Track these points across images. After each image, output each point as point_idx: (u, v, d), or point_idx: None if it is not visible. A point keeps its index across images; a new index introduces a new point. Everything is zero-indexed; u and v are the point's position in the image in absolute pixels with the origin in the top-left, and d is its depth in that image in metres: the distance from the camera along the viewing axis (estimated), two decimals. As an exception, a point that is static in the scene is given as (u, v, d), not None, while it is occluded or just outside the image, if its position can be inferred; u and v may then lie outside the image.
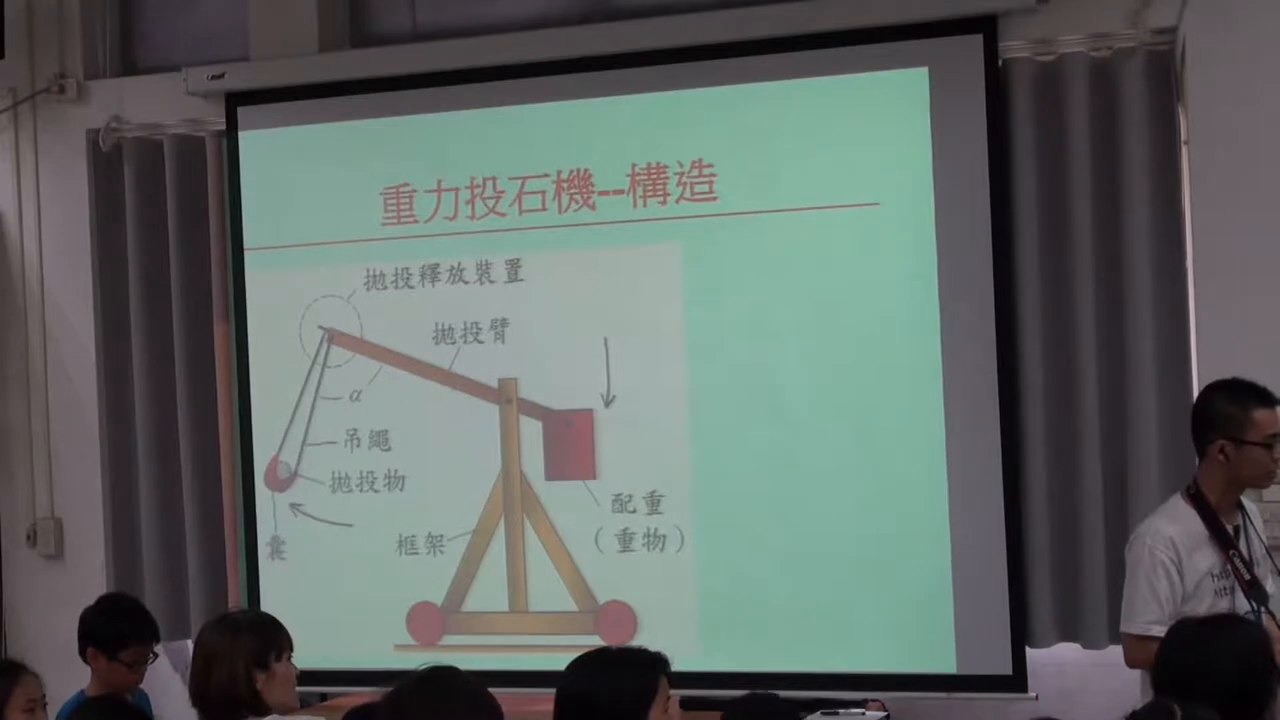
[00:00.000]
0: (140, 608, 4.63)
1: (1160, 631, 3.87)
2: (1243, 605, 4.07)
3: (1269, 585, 4.13)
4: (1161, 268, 5.04)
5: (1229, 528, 4.12)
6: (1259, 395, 4.09)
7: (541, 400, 5.59)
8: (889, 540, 5.22)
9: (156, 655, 4.57)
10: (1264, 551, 4.20)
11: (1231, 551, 4.10)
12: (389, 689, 2.90)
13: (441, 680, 2.89)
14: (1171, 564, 4.05)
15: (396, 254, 5.75)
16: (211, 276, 5.98)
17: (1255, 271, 4.82)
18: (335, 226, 5.83)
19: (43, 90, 6.24)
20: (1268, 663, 3.16)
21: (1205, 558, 4.08)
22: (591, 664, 3.34)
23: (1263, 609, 4.07)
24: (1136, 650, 4.06)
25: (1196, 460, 4.20)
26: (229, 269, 5.96)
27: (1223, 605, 4.03)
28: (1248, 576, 4.10)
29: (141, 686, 4.59)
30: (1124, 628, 4.12)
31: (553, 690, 3.39)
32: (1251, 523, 4.22)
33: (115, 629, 4.46)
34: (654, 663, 3.30)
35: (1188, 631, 3.25)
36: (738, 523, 5.37)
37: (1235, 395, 4.11)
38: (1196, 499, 4.13)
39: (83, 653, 4.50)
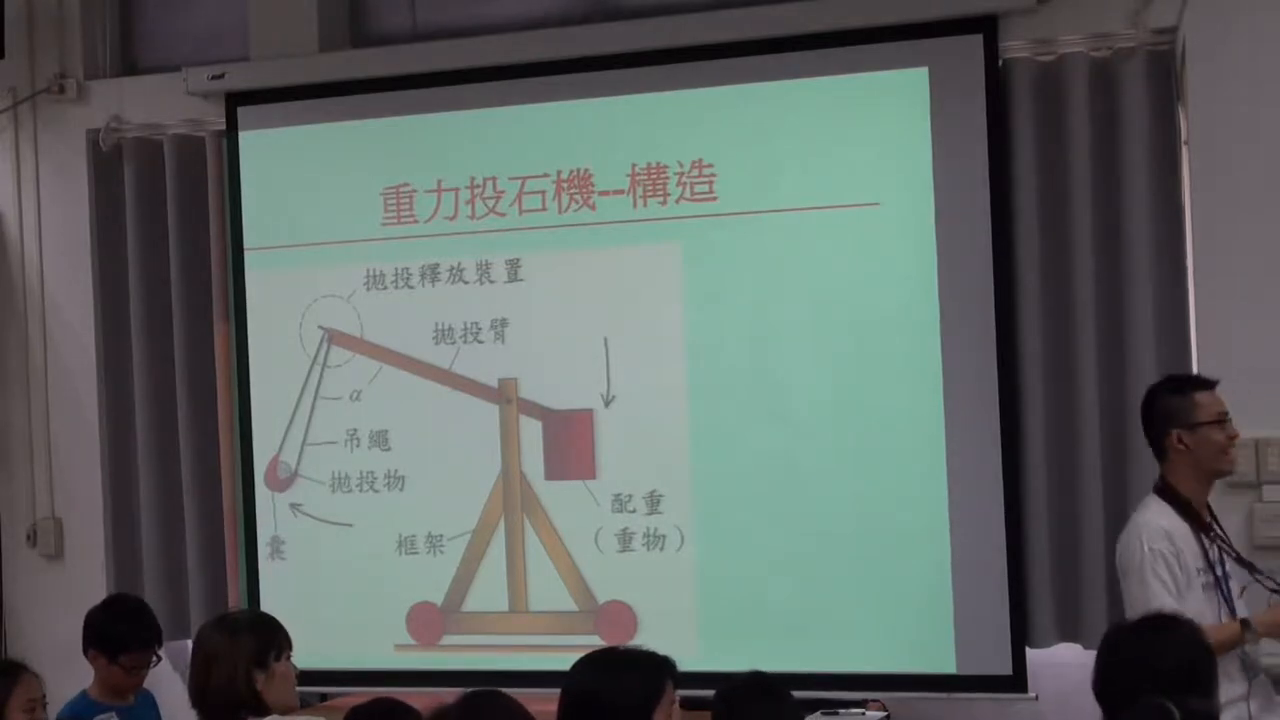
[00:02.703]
0: (144, 611, 4.62)
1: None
2: (1242, 583, 4.15)
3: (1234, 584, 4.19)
4: (1161, 268, 5.04)
5: (1205, 519, 4.20)
6: (1197, 380, 4.30)
7: (541, 400, 5.59)
8: (889, 540, 5.22)
9: (160, 658, 4.57)
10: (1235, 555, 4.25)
11: (1212, 534, 4.17)
12: (439, 712, 2.91)
13: (483, 705, 2.90)
14: (1170, 553, 4.09)
15: (396, 254, 5.75)
16: (211, 276, 5.98)
17: (1255, 271, 4.83)
18: (335, 226, 5.83)
19: (43, 90, 6.24)
20: (1207, 655, 3.16)
21: (1191, 549, 4.13)
22: (599, 662, 3.34)
23: (1260, 577, 4.16)
24: None
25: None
26: (229, 269, 5.96)
27: (1209, 597, 4.09)
28: (1233, 555, 4.19)
29: (145, 686, 4.59)
30: None
31: (553, 690, 3.39)
32: (1221, 526, 4.28)
33: (116, 632, 4.47)
34: (661, 664, 3.31)
35: (1122, 637, 3.24)
36: (737, 522, 5.37)
37: (1175, 386, 4.30)
38: (1167, 493, 4.20)
39: (86, 652, 4.50)
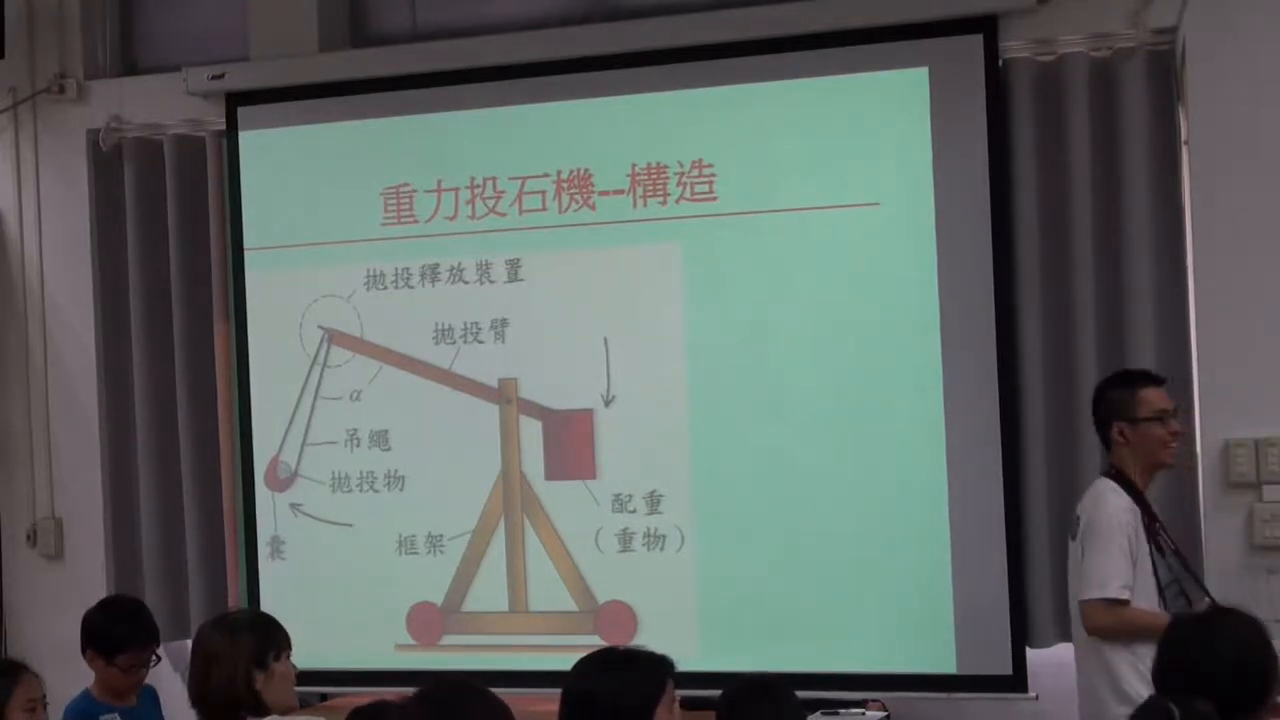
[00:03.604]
0: (141, 612, 4.60)
1: (1130, 596, 4.11)
2: (1170, 578, 4.34)
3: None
4: (1161, 267, 5.04)
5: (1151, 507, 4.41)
6: (1145, 376, 4.49)
7: (541, 400, 5.59)
8: (889, 540, 5.22)
9: (159, 658, 4.56)
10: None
11: (1157, 524, 4.36)
12: (403, 703, 2.89)
13: (451, 691, 2.88)
14: (1132, 530, 4.29)
15: (396, 254, 5.75)
16: (211, 276, 5.98)
17: (1255, 271, 4.83)
18: (335, 226, 5.83)
19: (43, 90, 6.24)
20: (1270, 653, 3.18)
21: (1143, 534, 4.32)
22: (598, 663, 3.34)
23: (1192, 576, 4.39)
24: (1107, 615, 4.25)
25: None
26: (229, 269, 5.96)
27: (1149, 580, 4.29)
28: (1172, 546, 4.39)
29: (148, 683, 4.59)
30: (1094, 594, 4.27)
31: (553, 690, 3.39)
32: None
33: (113, 632, 4.45)
34: (660, 664, 3.31)
35: (1189, 627, 3.27)
36: (737, 522, 5.37)
37: (1123, 380, 4.49)
38: (1119, 477, 4.38)
39: (83, 652, 4.50)
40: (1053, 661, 5.13)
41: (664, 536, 5.45)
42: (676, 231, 5.45)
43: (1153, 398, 4.41)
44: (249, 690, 3.50)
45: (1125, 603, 4.23)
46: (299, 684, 3.69)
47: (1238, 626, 3.24)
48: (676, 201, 5.46)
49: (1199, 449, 4.91)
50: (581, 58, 5.55)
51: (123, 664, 4.44)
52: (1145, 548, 4.32)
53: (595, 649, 3.49)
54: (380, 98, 5.76)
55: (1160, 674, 3.20)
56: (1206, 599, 4.38)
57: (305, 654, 3.76)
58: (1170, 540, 4.44)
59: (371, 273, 5.78)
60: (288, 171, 5.90)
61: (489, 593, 5.63)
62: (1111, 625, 4.25)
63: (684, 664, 3.48)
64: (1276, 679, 3.16)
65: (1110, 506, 4.32)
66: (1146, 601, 4.28)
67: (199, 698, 3.56)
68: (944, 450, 5.16)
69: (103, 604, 4.70)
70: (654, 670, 3.29)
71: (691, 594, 5.41)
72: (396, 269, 5.76)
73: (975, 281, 5.15)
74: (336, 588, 5.79)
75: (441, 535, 5.69)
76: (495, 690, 2.95)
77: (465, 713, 2.86)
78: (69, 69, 6.25)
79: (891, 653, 5.23)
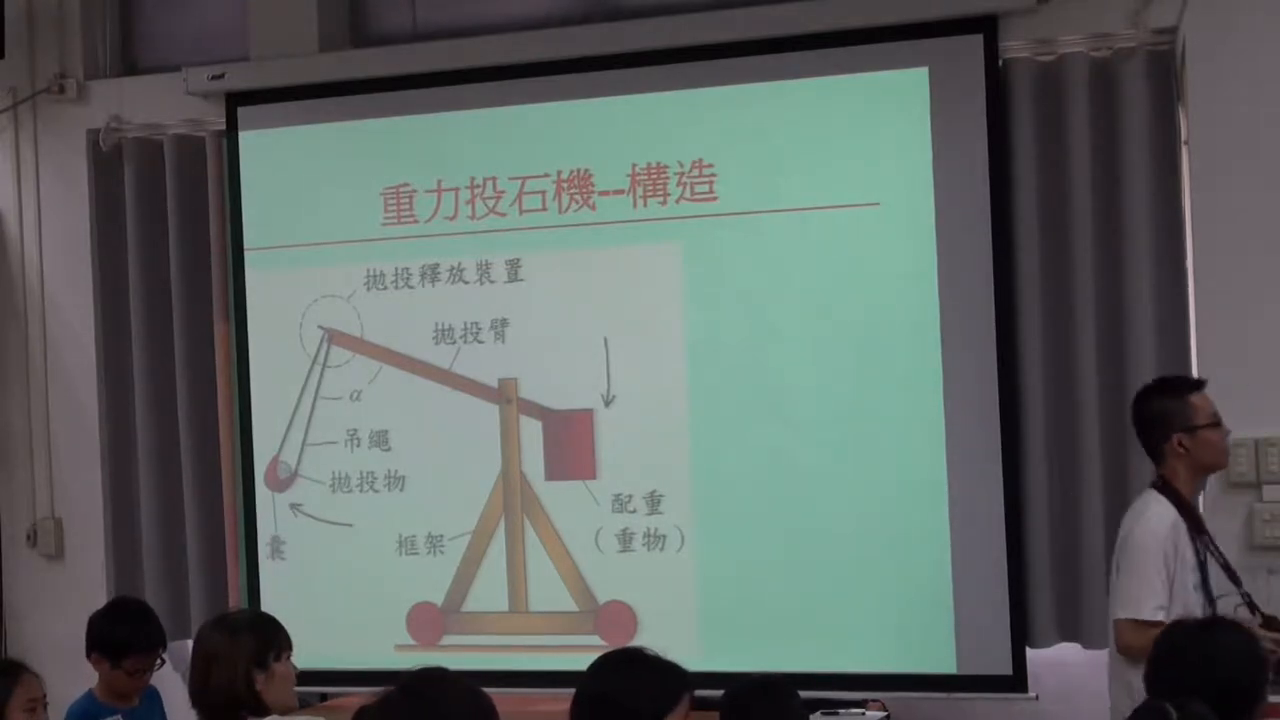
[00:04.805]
0: (146, 615, 4.60)
1: (1165, 616, 3.99)
2: (1219, 592, 4.21)
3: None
4: (1161, 268, 5.04)
5: (1200, 520, 4.28)
6: (1189, 383, 4.34)
7: (541, 400, 5.59)
8: (889, 540, 5.22)
9: (163, 661, 4.56)
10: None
11: (1205, 537, 4.24)
12: (384, 698, 2.87)
13: (430, 684, 2.87)
14: (1173, 550, 4.15)
15: (396, 254, 5.76)
16: (211, 276, 5.99)
17: (1255, 271, 4.83)
18: (335, 226, 5.83)
19: (43, 90, 6.25)
20: (1262, 664, 3.19)
21: (1187, 547, 4.19)
22: (620, 663, 3.28)
23: (1241, 592, 4.24)
24: (1138, 636, 4.06)
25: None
26: (229, 269, 5.96)
27: (1195, 597, 4.15)
28: (1222, 560, 4.26)
29: (151, 683, 4.59)
30: (1128, 613, 4.13)
31: (552, 690, 3.39)
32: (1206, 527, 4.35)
33: (118, 636, 4.45)
34: (683, 676, 3.23)
35: (1184, 635, 3.27)
36: (738, 522, 5.37)
37: (1169, 389, 4.32)
38: (1168, 491, 4.23)
39: (88, 655, 4.50)
40: (1053, 661, 5.14)
41: (664, 536, 5.45)
42: (676, 231, 5.45)
43: (1203, 404, 4.26)
44: (249, 690, 3.50)
45: (1159, 624, 3.98)
46: (299, 684, 3.68)
47: (1236, 636, 3.24)
48: (676, 201, 5.46)
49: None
50: (581, 58, 5.55)
51: (128, 667, 4.43)
52: (1191, 561, 4.17)
53: (595, 649, 3.48)
54: (380, 98, 5.76)
55: (1154, 677, 3.19)
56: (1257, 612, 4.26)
57: (305, 654, 3.76)
58: (1219, 552, 4.28)
59: (371, 273, 5.78)
60: (288, 171, 5.90)
61: (489, 593, 5.63)
62: (1143, 647, 4.05)
63: (684, 664, 3.47)
64: (1265, 693, 3.17)
65: (1151, 523, 4.17)
66: (1192, 614, 4.07)
67: (199, 698, 3.56)
68: (944, 450, 5.16)
69: (108, 607, 4.69)
70: (673, 680, 3.20)
71: (691, 594, 5.41)
72: (396, 269, 5.76)
73: (975, 281, 5.16)
74: (336, 588, 5.79)
75: (441, 535, 5.69)
76: (496, 690, 2.94)
77: (447, 702, 2.84)
78: (69, 69, 6.25)
79: (891, 653, 5.23)
